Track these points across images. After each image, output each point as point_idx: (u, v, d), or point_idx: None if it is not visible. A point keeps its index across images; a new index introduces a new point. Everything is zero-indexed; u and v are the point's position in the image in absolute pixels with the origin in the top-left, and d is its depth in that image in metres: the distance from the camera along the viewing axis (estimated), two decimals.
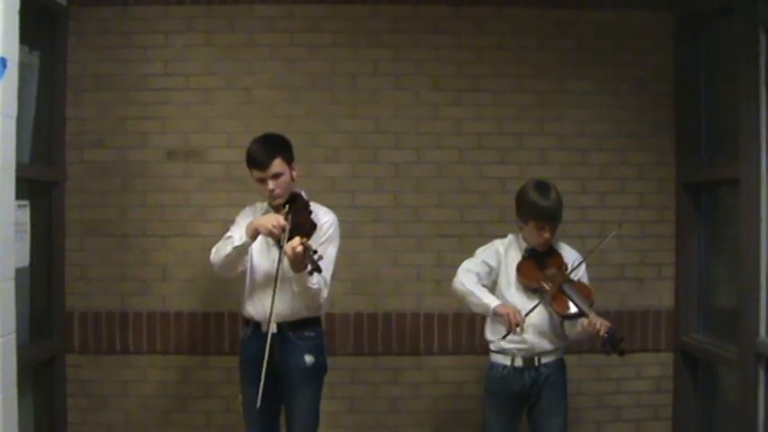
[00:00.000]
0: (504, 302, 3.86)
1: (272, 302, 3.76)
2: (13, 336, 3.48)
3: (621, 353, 3.74)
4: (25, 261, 4.11)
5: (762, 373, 4.00)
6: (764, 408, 3.97)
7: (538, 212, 3.88)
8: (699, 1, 4.82)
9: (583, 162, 4.99)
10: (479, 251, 4.09)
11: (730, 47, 4.37)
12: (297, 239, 3.64)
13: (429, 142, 4.94)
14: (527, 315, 3.80)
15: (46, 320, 4.72)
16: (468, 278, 3.94)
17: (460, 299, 3.97)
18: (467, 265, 4.02)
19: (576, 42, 4.99)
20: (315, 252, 3.64)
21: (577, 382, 4.80)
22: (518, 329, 3.75)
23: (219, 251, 3.94)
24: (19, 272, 3.66)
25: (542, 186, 3.94)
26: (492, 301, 3.85)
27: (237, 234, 3.90)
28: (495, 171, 4.90)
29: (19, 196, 3.65)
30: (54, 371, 4.76)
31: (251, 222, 3.86)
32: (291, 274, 3.78)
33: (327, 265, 3.84)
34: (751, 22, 4.07)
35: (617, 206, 4.97)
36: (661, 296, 5.00)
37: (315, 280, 3.76)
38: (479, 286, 3.93)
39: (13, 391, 3.46)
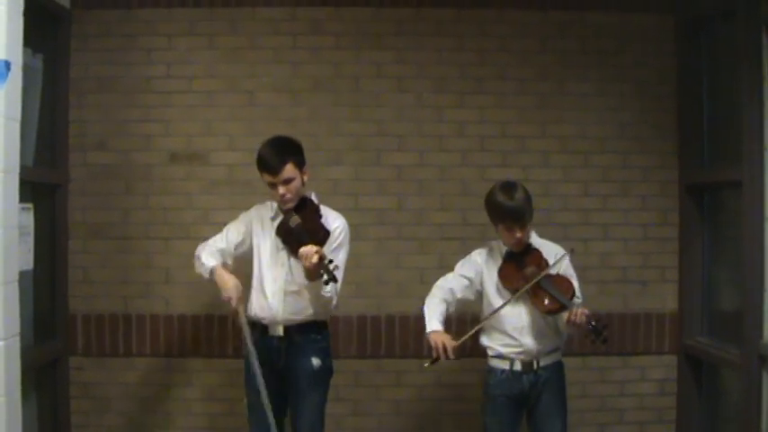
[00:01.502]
0: (437, 331, 3.87)
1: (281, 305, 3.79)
2: (17, 338, 3.49)
3: (605, 341, 3.72)
4: (29, 264, 4.12)
5: (765, 376, 3.99)
6: None
7: (504, 213, 3.88)
8: (701, 3, 4.82)
9: (585, 165, 4.99)
10: (458, 265, 4.11)
11: (733, 49, 4.36)
12: (311, 248, 3.63)
13: (432, 145, 4.94)
14: (461, 341, 3.87)
15: (49, 323, 4.72)
16: (432, 297, 4.01)
17: None
18: (441, 281, 4.07)
19: (578, 45, 5.00)
20: (330, 261, 3.64)
21: (581, 385, 4.80)
22: (444, 357, 3.81)
23: (200, 258, 4.00)
24: (22, 274, 3.67)
25: (507, 187, 3.92)
26: (429, 326, 3.90)
27: (215, 258, 3.98)
28: (497, 174, 4.86)
29: (22, 199, 3.66)
30: (57, 373, 4.76)
31: (225, 281, 3.89)
32: (301, 279, 3.79)
33: (339, 272, 3.85)
34: (753, 25, 4.07)
35: (619, 209, 4.97)
36: (664, 299, 4.99)
37: (329, 288, 3.76)
38: (434, 307, 3.96)
39: (17, 393, 3.47)
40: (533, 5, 4.97)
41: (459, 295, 4.03)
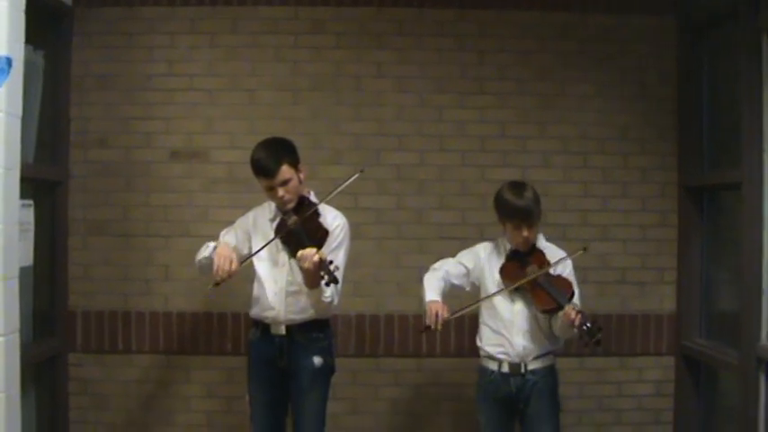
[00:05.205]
0: (435, 301, 3.87)
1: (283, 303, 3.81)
2: (17, 334, 3.50)
3: (598, 342, 3.67)
4: (29, 260, 4.13)
5: (763, 378, 4.00)
6: (765, 412, 3.97)
7: (513, 212, 3.89)
8: (702, 7, 4.83)
9: (585, 165, 4.99)
10: (460, 253, 4.14)
11: (733, 51, 4.38)
12: (312, 250, 3.59)
13: (432, 145, 4.95)
14: (455, 315, 3.87)
15: (49, 319, 4.73)
16: (430, 274, 4.03)
17: None
18: (439, 264, 4.08)
19: (578, 46, 5.00)
20: (330, 262, 3.61)
21: (579, 386, 4.81)
22: (433, 327, 3.80)
23: (200, 252, 3.96)
24: (22, 271, 3.69)
25: (517, 186, 3.95)
26: (428, 296, 3.90)
27: (226, 238, 3.96)
28: (497, 174, 4.88)
29: (23, 195, 3.67)
30: (56, 370, 4.77)
31: (222, 247, 3.84)
32: (301, 279, 3.76)
33: (340, 273, 3.80)
34: (754, 27, 4.08)
35: (619, 210, 4.98)
36: (663, 300, 5.00)
37: (328, 293, 3.74)
38: (434, 282, 3.98)
39: (16, 389, 3.48)
40: (534, 6, 4.98)
41: (454, 281, 4.05)
